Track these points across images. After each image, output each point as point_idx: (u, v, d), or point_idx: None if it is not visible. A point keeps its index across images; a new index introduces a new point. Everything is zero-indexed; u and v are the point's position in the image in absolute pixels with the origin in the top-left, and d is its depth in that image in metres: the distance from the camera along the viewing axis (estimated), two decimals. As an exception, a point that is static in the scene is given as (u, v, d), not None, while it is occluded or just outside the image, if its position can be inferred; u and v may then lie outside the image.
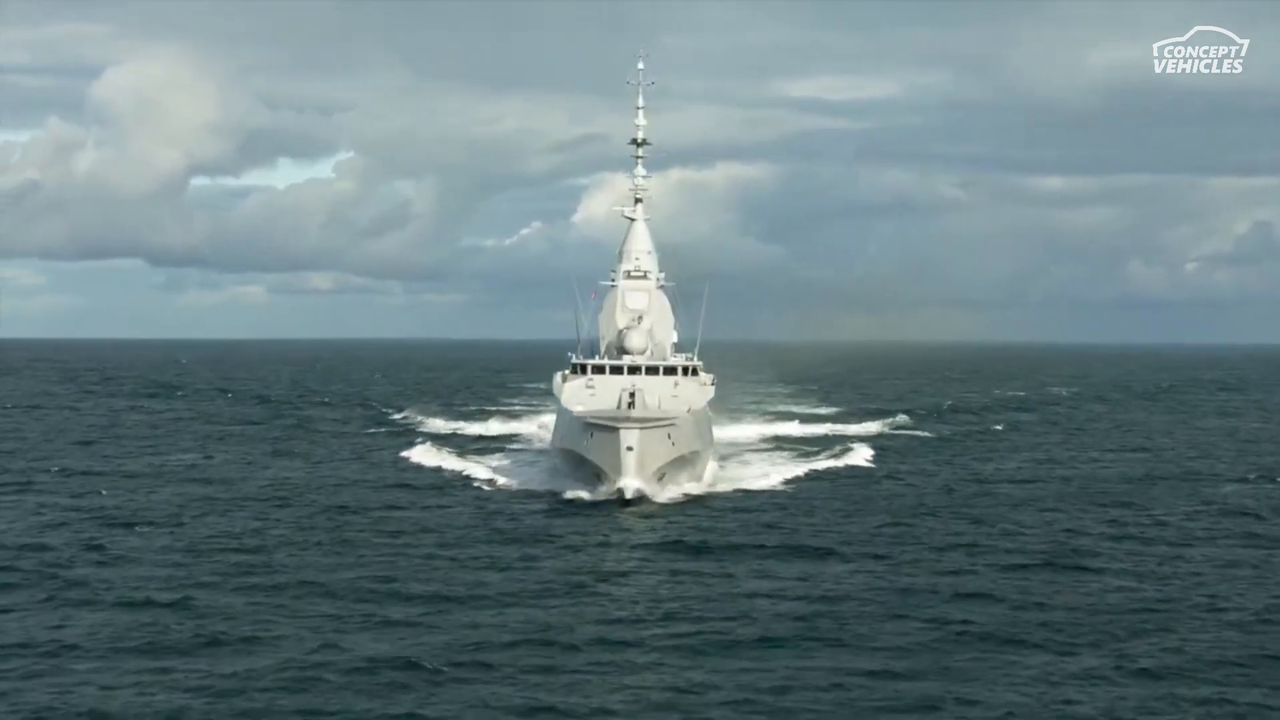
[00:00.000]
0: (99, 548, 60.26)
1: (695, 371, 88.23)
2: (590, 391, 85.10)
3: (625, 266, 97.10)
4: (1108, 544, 63.13)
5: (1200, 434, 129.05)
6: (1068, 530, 66.38)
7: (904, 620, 47.78)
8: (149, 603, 49.56)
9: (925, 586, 53.00)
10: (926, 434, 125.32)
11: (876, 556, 59.04)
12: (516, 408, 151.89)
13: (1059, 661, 43.12)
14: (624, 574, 55.92)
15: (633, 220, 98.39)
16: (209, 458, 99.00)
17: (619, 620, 47.78)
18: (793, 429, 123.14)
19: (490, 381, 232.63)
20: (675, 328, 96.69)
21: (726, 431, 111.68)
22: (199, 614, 48.01)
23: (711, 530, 66.27)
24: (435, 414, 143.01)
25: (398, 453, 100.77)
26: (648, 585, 53.78)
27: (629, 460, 73.52)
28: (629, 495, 73.26)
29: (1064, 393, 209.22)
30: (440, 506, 74.17)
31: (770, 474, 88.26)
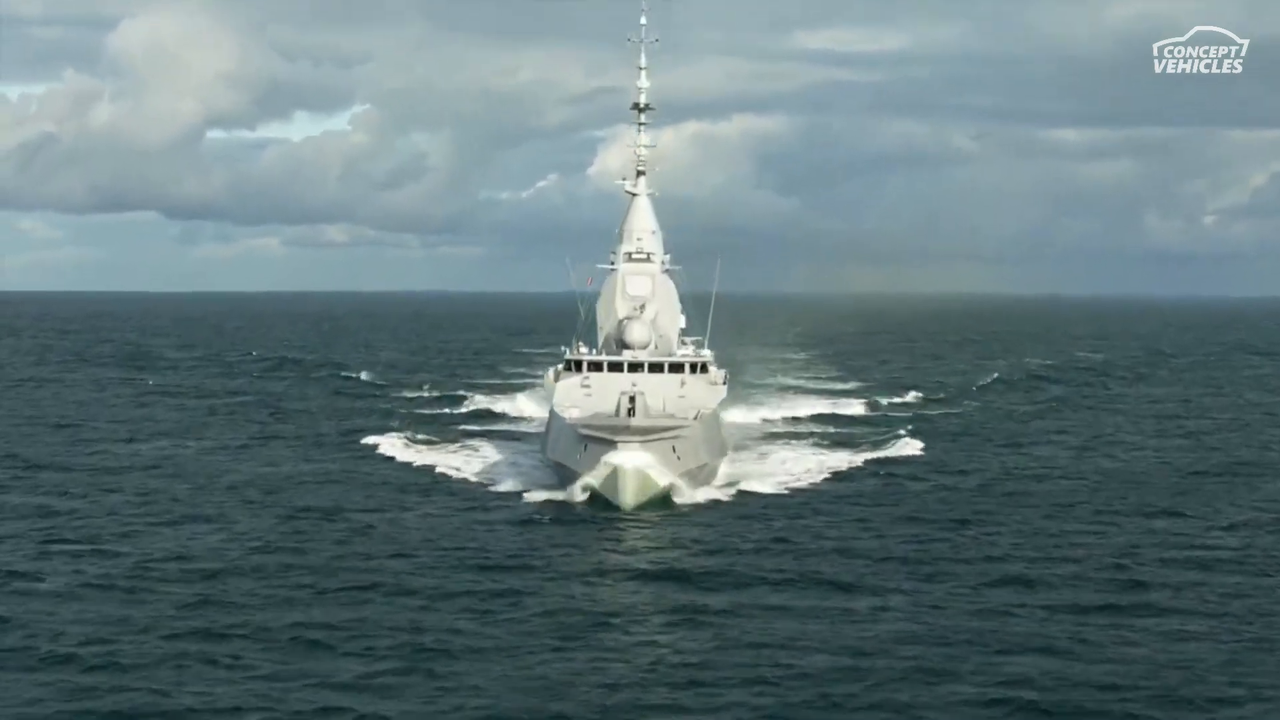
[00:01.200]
0: (30, 576, 53.48)
1: (705, 368, 79.39)
2: (586, 392, 76.60)
3: (626, 248, 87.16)
4: (1168, 571, 55.60)
5: (1241, 413, 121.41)
6: (1121, 556, 58.22)
7: (946, 683, 40.79)
8: (69, 660, 42.79)
9: (967, 635, 45.74)
10: (955, 411, 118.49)
11: (905, 592, 51.60)
12: (522, 379, 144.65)
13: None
14: (618, 614, 48.66)
15: (634, 195, 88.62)
16: (184, 446, 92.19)
17: (612, 685, 40.75)
18: (811, 409, 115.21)
19: (500, 347, 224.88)
20: (682, 313, 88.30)
21: (740, 414, 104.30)
22: (125, 675, 41.34)
23: (720, 551, 58.92)
24: (433, 389, 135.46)
25: (384, 443, 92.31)
26: (646, 631, 46.73)
27: (627, 479, 66.32)
28: (628, 508, 66.22)
29: (1094, 357, 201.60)
30: (418, 515, 66.78)
31: (787, 471, 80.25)
